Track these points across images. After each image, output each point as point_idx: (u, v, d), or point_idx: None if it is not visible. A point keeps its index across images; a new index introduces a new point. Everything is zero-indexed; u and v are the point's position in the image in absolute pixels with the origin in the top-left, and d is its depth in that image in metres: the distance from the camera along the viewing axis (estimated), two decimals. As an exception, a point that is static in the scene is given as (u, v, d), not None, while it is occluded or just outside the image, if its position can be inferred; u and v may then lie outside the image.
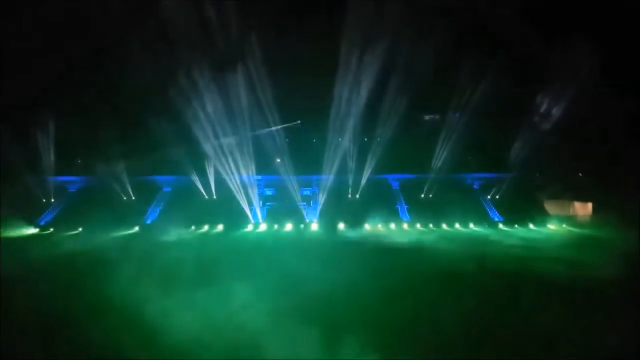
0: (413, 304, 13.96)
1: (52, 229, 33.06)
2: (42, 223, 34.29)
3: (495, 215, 36.33)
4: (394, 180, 40.56)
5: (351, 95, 35.82)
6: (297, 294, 14.49)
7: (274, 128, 36.15)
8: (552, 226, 34.37)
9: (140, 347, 10.39)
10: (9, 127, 34.12)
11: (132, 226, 33.21)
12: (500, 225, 34.52)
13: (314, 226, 34.28)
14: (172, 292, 14.37)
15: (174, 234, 29.55)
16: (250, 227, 34.03)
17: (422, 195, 38.53)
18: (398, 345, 10.82)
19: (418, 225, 34.20)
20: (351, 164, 37.64)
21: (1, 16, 31.04)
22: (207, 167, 37.03)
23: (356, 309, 13.32)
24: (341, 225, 33.69)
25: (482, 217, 35.60)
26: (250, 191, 36.01)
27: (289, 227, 33.90)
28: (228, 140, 35.41)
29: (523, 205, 36.37)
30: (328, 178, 37.02)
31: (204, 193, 37.24)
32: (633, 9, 30.35)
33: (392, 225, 33.96)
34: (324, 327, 11.23)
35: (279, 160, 38.10)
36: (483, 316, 12.86)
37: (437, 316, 12.76)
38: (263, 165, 37.25)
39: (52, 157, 37.79)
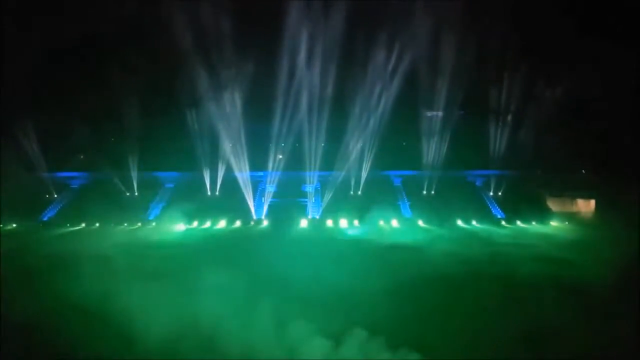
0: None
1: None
2: (46, 219, 34.58)
3: (498, 212, 36.32)
4: (396, 177, 40.49)
5: (356, 93, 35.83)
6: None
7: None
8: (554, 223, 34.35)
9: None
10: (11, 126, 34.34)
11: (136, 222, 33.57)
12: (503, 222, 34.57)
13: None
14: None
15: None
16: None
17: (424, 192, 38.51)
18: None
19: (420, 222, 34.17)
20: (354, 161, 37.63)
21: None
22: (209, 164, 37.12)
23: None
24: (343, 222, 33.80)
25: (484, 214, 35.55)
26: (251, 188, 36.13)
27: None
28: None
29: (525, 203, 36.26)
30: (330, 174, 37.04)
31: (208, 189, 37.26)
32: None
33: (394, 222, 33.91)
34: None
35: (280, 156, 38.07)
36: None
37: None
38: (265, 161, 37.31)
39: (55, 154, 37.81)
